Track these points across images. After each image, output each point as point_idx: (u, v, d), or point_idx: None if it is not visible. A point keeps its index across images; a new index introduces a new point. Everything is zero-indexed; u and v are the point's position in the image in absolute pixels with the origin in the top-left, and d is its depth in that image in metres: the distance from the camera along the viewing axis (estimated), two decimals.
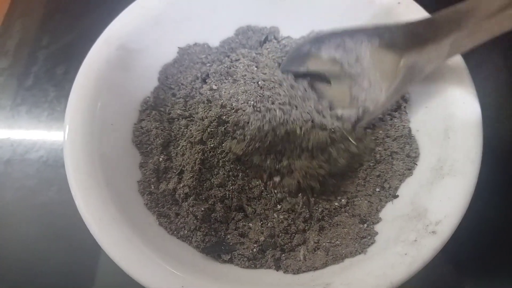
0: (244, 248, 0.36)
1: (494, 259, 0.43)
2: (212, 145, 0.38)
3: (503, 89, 0.51)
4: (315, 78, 0.41)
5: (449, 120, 0.36)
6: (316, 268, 0.34)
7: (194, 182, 0.36)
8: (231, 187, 0.37)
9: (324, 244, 0.35)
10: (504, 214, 0.45)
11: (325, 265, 0.34)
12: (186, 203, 0.37)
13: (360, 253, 0.34)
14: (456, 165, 0.33)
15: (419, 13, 0.40)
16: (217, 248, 0.36)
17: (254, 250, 0.35)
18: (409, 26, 0.36)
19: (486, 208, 0.41)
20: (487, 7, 0.31)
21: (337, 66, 0.40)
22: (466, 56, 0.38)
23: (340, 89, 0.40)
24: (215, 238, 0.36)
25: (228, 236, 0.37)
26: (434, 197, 0.33)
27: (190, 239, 0.36)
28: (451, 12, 0.33)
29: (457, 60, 0.38)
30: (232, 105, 0.39)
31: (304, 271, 0.34)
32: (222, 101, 0.40)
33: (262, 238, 0.35)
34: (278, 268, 0.35)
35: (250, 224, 0.37)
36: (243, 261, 0.36)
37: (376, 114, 0.39)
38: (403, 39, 0.37)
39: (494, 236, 0.44)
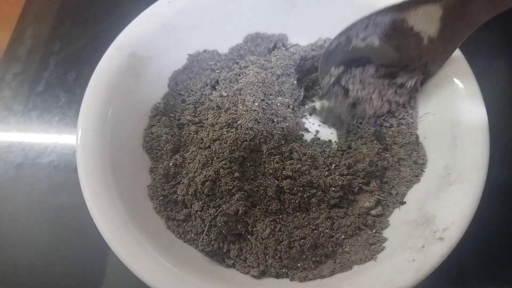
0: (244, 267, 0.36)
1: (499, 262, 0.43)
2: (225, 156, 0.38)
3: (510, 95, 0.52)
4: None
5: (456, 127, 0.36)
6: (323, 276, 0.34)
7: (204, 189, 0.37)
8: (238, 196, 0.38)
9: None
10: (509, 218, 0.45)
11: (332, 273, 0.34)
12: (194, 208, 0.37)
13: (370, 260, 0.34)
14: (464, 172, 0.34)
15: None
16: (220, 252, 0.37)
17: (255, 273, 0.35)
18: None
19: (492, 211, 0.41)
20: None
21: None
22: (472, 62, 0.38)
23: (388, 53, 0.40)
24: (219, 245, 0.36)
25: (230, 252, 0.37)
26: (441, 204, 0.33)
27: (196, 242, 0.37)
28: None
29: (463, 66, 0.38)
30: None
31: (311, 279, 0.34)
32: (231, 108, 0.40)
33: (261, 268, 0.35)
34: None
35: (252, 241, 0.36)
36: (245, 267, 0.36)
37: (442, 62, 0.39)
38: None
39: (499, 239, 0.44)
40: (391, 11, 0.38)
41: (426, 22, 0.37)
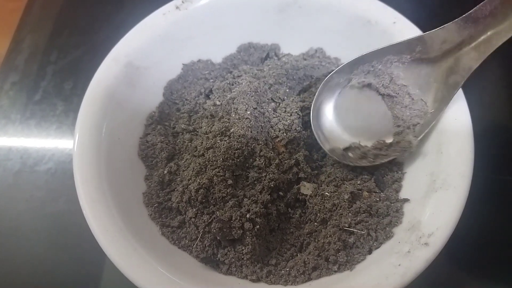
0: (240, 272, 0.37)
1: (493, 259, 0.44)
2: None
3: (497, 100, 0.52)
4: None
5: (441, 135, 0.37)
6: (311, 279, 0.35)
7: (198, 196, 0.38)
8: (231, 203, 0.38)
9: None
10: (499, 218, 0.46)
11: (319, 276, 0.35)
12: (188, 214, 0.38)
13: (357, 264, 0.35)
14: (449, 179, 0.34)
15: (414, 32, 0.41)
16: (215, 258, 0.37)
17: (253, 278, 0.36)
18: (439, 32, 0.36)
19: (484, 212, 0.42)
20: None
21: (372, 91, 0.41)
22: None
23: (381, 113, 0.40)
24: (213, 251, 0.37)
25: (226, 260, 0.37)
26: (427, 210, 0.34)
27: (191, 248, 0.37)
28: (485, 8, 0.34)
29: None
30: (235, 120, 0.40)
31: (299, 283, 0.35)
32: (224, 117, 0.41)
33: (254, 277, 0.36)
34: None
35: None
36: (241, 272, 0.36)
37: (429, 125, 0.38)
38: (436, 46, 0.37)
39: (491, 238, 0.44)
40: (395, 57, 0.39)
41: (421, 79, 0.38)
